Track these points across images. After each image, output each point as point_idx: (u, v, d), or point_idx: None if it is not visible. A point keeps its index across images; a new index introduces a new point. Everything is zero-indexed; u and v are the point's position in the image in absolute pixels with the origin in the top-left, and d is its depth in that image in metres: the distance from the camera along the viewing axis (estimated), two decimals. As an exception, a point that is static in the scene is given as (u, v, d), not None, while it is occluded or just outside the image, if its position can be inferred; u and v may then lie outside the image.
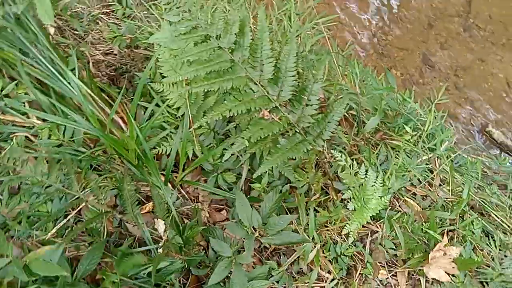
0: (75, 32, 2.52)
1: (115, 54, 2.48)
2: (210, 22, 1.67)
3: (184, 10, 1.63)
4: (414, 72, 3.69)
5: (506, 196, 2.41)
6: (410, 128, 2.15)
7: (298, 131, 1.77)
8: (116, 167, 1.94)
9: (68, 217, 1.79)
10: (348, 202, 1.59)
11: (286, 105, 1.76)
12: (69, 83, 1.91)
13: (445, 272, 1.88)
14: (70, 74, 1.87)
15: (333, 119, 1.76)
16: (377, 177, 1.64)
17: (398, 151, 2.15)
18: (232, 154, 1.95)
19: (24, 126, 1.94)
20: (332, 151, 1.59)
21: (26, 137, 1.89)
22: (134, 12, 2.60)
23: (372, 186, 1.63)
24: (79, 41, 2.48)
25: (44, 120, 1.92)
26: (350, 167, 1.56)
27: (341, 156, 1.56)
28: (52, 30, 1.98)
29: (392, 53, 3.78)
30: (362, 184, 1.61)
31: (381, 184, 1.66)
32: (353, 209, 1.59)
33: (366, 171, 1.59)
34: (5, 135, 1.91)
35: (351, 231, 1.62)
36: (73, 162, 1.76)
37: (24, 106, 1.91)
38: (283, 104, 1.75)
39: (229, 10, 1.69)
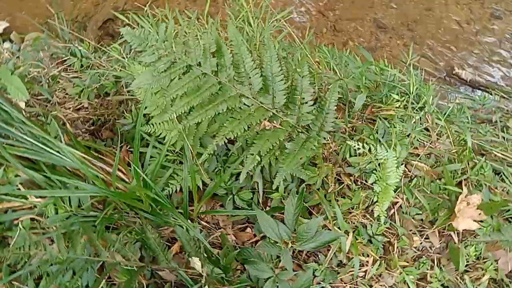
0: (38, 98, 2.43)
1: (87, 108, 2.41)
2: (187, 52, 1.64)
3: (158, 47, 1.60)
4: (370, 39, 3.75)
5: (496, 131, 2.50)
6: (397, 94, 2.20)
7: (300, 131, 1.78)
8: (132, 219, 1.89)
9: (101, 284, 1.73)
10: (374, 184, 1.60)
11: (283, 109, 1.76)
12: (58, 152, 1.84)
13: (473, 220, 1.93)
14: (57, 143, 1.80)
15: (330, 110, 1.78)
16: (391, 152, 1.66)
17: (392, 120, 2.19)
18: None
19: (24, 209, 1.87)
20: (348, 141, 1.61)
21: (32, 219, 1.82)
22: (92, 60, 2.53)
23: (390, 162, 1.65)
24: (46, 105, 2.40)
25: (42, 197, 1.85)
26: (370, 152, 1.58)
27: (358, 144, 1.58)
28: (23, 105, 1.90)
29: (344, 26, 3.83)
30: (380, 164, 1.64)
31: (395, 157, 1.69)
32: (380, 190, 1.61)
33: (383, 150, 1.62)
34: (8, 224, 1.83)
35: (382, 212, 1.64)
36: (91, 229, 1.71)
37: (19, 189, 1.83)
38: (280, 109, 1.75)
39: (187, 35, 1.66)
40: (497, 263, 1.93)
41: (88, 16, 3.60)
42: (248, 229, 2.04)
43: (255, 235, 2.01)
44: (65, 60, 2.57)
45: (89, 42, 2.62)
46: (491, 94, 3.32)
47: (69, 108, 2.40)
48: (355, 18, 3.81)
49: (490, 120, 2.70)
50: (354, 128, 2.19)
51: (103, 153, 2.10)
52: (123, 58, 2.43)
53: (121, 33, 1.60)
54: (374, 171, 1.60)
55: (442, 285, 1.88)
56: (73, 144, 1.95)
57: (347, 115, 2.18)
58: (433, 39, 3.70)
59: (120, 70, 2.39)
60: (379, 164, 1.63)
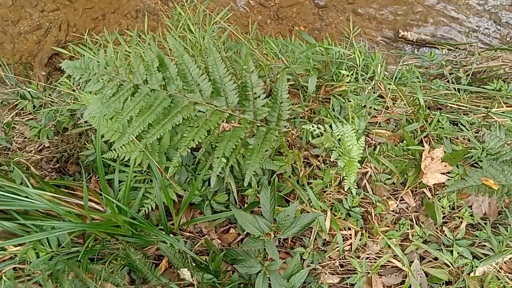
0: (-3, 148, 2.40)
1: (48, 147, 2.40)
2: (131, 71, 1.66)
3: (101, 74, 1.61)
4: (314, 20, 3.82)
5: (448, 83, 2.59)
6: (346, 70, 2.26)
7: (260, 125, 1.81)
8: (114, 246, 1.90)
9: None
10: (338, 161, 1.65)
11: (238, 108, 1.79)
12: (26, 197, 1.83)
13: (441, 173, 2.01)
14: (24, 188, 1.79)
15: (283, 98, 1.81)
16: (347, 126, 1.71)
17: (346, 95, 2.25)
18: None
19: (5, 260, 1.85)
20: (303, 125, 1.65)
21: (14, 268, 1.81)
22: (43, 99, 2.51)
23: (348, 136, 1.70)
24: (7, 153, 2.37)
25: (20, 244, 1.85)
26: (325, 131, 1.62)
27: (313, 126, 1.62)
28: (-18, 158, 1.89)
29: (286, 13, 3.89)
30: (340, 140, 1.69)
31: (352, 130, 1.74)
32: (344, 165, 1.66)
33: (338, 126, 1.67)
34: (-10, 279, 1.82)
35: (351, 184, 1.69)
36: (75, 264, 1.71)
37: (-6, 242, 1.81)
38: (235, 108, 1.78)
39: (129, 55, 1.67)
40: (471, 209, 2.01)
41: (32, 55, 3.56)
42: (232, 230, 2.07)
43: (239, 234, 2.05)
44: (16, 105, 2.54)
45: (37, 83, 2.59)
46: (438, 49, 3.43)
47: (31, 151, 2.38)
48: (295, 3, 3.87)
49: (442, 74, 2.80)
50: (313, 111, 2.24)
51: (74, 188, 2.09)
52: (74, 90, 2.41)
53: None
54: (335, 148, 1.65)
55: (424, 241, 1.95)
56: (41, 185, 1.95)
57: (303, 100, 2.23)
58: (374, 7, 3.80)
59: (74, 103, 2.38)
60: (338, 141, 1.68)
